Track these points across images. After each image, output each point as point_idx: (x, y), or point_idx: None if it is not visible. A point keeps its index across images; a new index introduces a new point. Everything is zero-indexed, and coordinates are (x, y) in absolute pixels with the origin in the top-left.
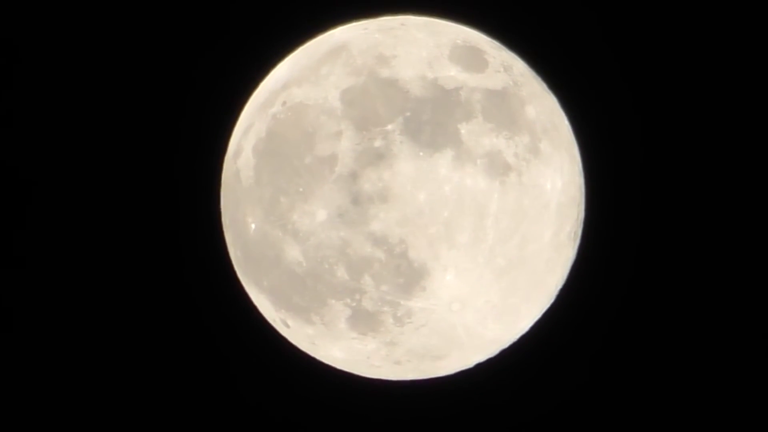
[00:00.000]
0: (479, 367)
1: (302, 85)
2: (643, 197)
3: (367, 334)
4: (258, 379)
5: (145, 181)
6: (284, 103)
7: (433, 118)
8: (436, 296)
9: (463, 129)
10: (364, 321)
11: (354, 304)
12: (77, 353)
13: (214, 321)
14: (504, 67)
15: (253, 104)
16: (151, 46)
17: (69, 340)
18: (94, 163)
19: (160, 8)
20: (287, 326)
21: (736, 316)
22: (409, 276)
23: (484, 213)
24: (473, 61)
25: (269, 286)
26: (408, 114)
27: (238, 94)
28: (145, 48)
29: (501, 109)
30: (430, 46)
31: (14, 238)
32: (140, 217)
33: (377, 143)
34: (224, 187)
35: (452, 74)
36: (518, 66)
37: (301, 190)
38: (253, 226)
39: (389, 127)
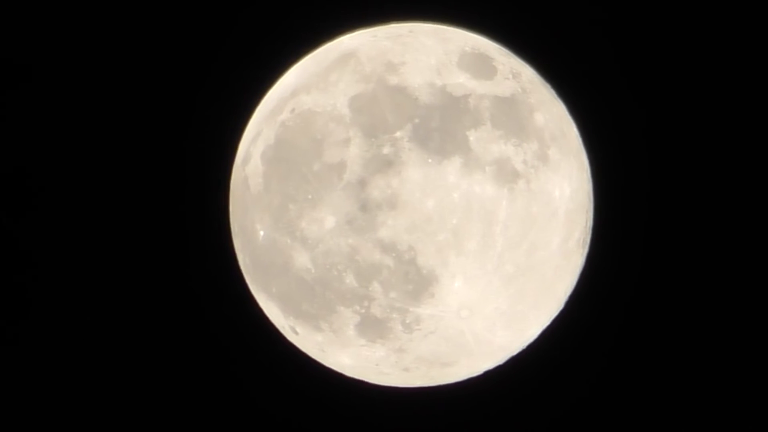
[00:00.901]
0: (488, 374)
1: (311, 92)
2: (651, 204)
3: (375, 341)
4: (267, 386)
5: (153, 187)
6: (293, 110)
7: (441, 125)
8: (445, 303)
9: (472, 136)
10: (372, 328)
11: (363, 311)
12: (85, 360)
13: (222, 328)
14: (512, 74)
15: (261, 111)
16: (160, 54)
17: (76, 346)
18: (102, 170)
19: (169, 16)
20: (296, 333)
21: (744, 318)
22: (418, 283)
23: (493, 220)
24: (482, 68)
25: (278, 293)
26: (417, 121)
27: (247, 101)
28: (153, 56)
29: (509, 116)
30: (439, 53)
31: (21, 247)
32: (149, 224)
33: (386, 150)
34: (233, 194)
35: (461, 81)
36: (527, 73)
37: (309, 197)
38: (261, 233)
39: (398, 134)
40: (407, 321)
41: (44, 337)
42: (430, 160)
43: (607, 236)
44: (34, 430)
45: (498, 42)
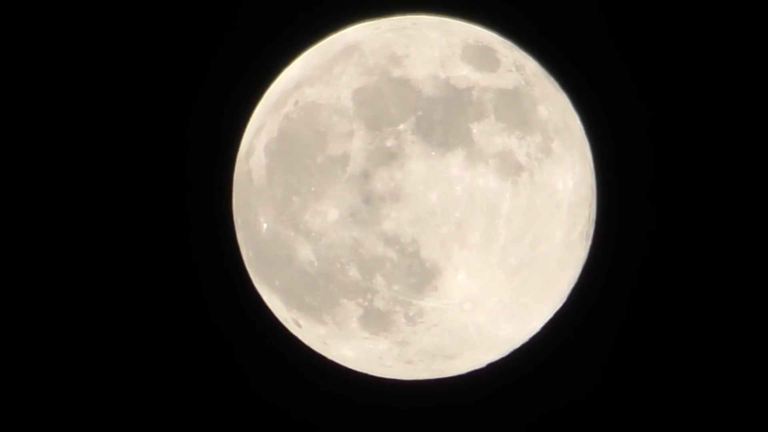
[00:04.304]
0: (491, 366)
1: (314, 85)
2: (654, 196)
3: (378, 334)
4: (270, 379)
5: (156, 181)
6: (296, 102)
7: (444, 118)
8: (448, 296)
9: (475, 129)
10: (375, 321)
11: (366, 303)
12: (89, 355)
13: (225, 321)
14: (516, 67)
15: (265, 104)
16: (163, 46)
17: (80, 341)
18: (105, 163)
19: (172, 8)
20: (299, 326)
21: (746, 312)
22: (421, 276)
23: (496, 213)
24: (485, 60)
25: (281, 286)
26: (420, 113)
27: (251, 94)
28: (156, 48)
29: (513, 108)
30: (442, 46)
31: (25, 242)
32: (152, 218)
33: (389, 143)
34: (236, 186)
35: (464, 74)
36: (530, 65)
37: (312, 189)
38: (264, 225)
39: (401, 126)
40: (410, 314)
41: (49, 329)
42: (433, 153)
43: (610, 229)
44: (39, 425)
45: (501, 34)
